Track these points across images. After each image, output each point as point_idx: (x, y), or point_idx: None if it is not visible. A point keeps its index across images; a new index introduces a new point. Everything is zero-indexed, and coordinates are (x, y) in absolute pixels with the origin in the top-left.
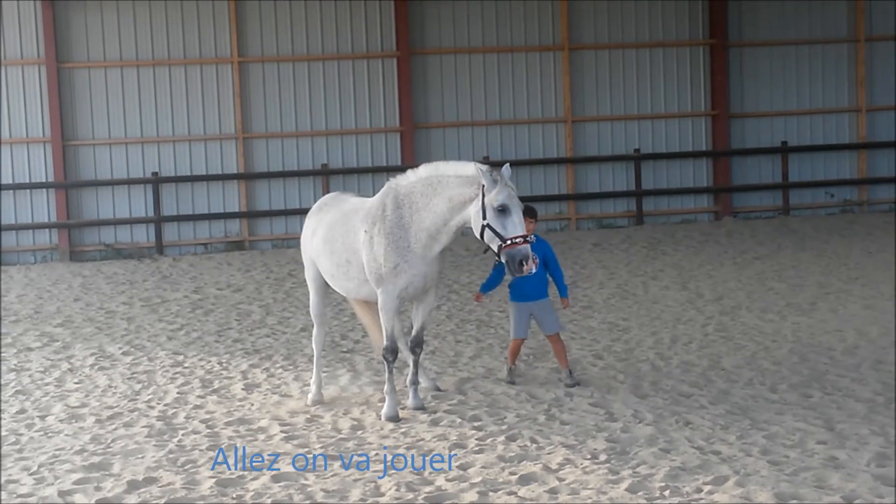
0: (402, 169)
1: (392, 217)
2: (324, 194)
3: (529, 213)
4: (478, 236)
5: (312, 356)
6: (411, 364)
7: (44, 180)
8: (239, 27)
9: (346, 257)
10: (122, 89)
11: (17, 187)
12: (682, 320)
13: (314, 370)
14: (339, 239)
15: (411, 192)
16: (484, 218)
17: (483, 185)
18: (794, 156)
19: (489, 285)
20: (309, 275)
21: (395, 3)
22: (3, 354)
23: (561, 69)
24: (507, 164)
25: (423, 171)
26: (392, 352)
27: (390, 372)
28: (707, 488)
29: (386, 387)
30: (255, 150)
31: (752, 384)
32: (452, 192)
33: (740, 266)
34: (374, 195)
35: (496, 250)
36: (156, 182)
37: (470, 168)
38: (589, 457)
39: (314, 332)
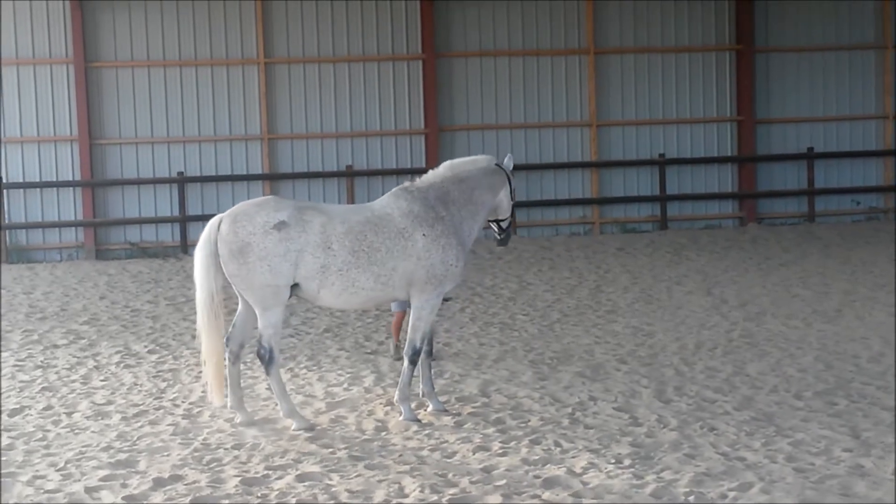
0: (426, 171)
1: (448, 217)
2: (348, 196)
3: None
4: (505, 220)
5: (278, 385)
6: (426, 370)
7: (71, 179)
8: (265, 28)
9: (391, 265)
10: (149, 89)
11: (44, 185)
12: (706, 326)
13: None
14: (381, 249)
15: (447, 191)
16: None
17: (508, 174)
18: (820, 162)
19: None
20: (279, 300)
21: (422, 5)
22: (30, 351)
23: (586, 73)
24: (510, 155)
25: (444, 170)
26: (420, 354)
27: (412, 374)
28: (732, 494)
29: (403, 388)
30: (280, 151)
31: (777, 391)
32: (490, 181)
33: (765, 272)
34: None
35: (504, 228)
36: (181, 182)
37: (483, 160)
38: (613, 461)
39: (276, 362)
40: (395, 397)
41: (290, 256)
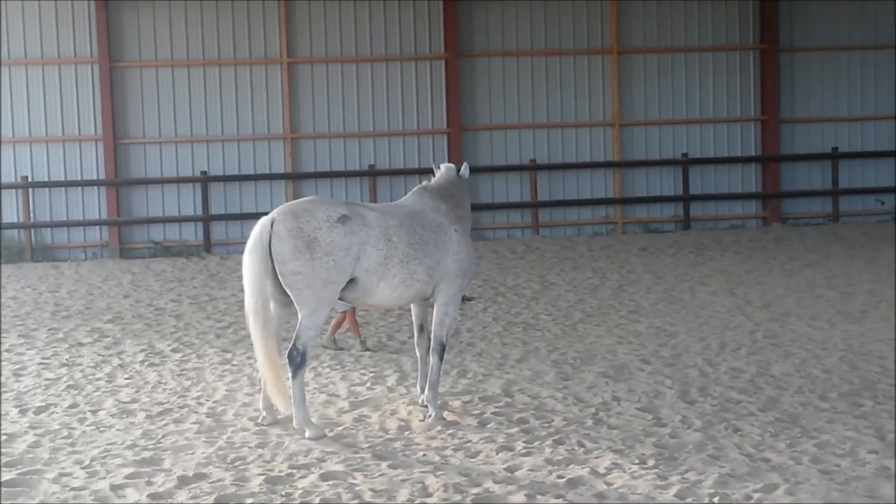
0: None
1: (463, 215)
2: (371, 195)
3: None
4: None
5: (300, 391)
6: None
7: (95, 178)
8: (289, 28)
9: (437, 258)
10: (173, 89)
11: (69, 184)
12: (730, 326)
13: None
14: (429, 242)
15: (452, 193)
16: None
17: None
18: (845, 162)
19: None
20: (333, 298)
21: (444, 5)
22: (55, 349)
23: (609, 72)
24: (466, 164)
25: (444, 172)
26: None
27: (440, 370)
28: (757, 496)
29: (434, 386)
30: (303, 150)
31: (801, 392)
32: (467, 187)
33: (789, 273)
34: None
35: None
36: (204, 181)
37: (453, 168)
38: (637, 462)
39: (305, 368)
40: (426, 396)
41: (352, 250)
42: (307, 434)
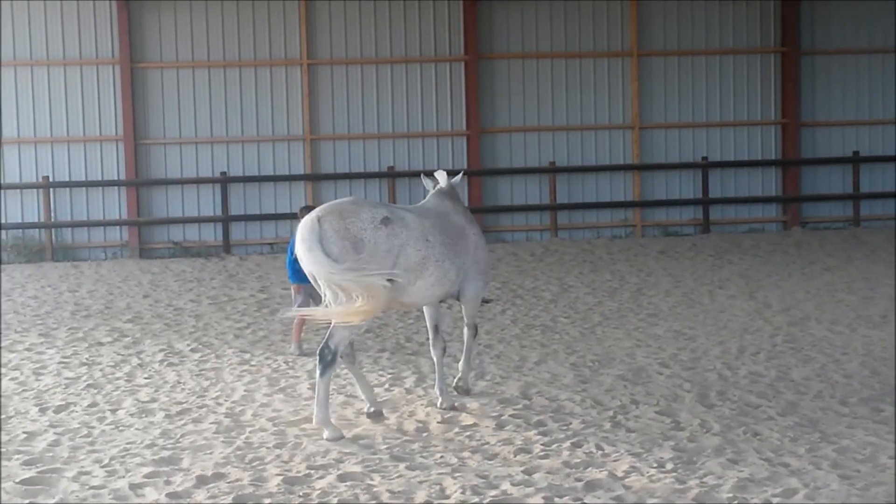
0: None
1: (472, 218)
2: (390, 197)
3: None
4: None
5: (325, 391)
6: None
7: (116, 178)
8: (309, 29)
9: (464, 258)
10: (194, 89)
11: (89, 184)
12: (749, 330)
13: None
14: (458, 243)
15: (459, 198)
16: None
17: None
18: (866, 166)
19: (291, 275)
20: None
21: (465, 7)
22: (75, 348)
23: (629, 75)
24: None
25: (446, 178)
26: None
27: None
28: (776, 501)
29: (469, 360)
30: (323, 151)
31: (821, 396)
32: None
33: (809, 277)
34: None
35: None
36: (224, 182)
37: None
38: (655, 465)
39: (334, 368)
40: (460, 365)
41: (393, 251)
42: (325, 435)
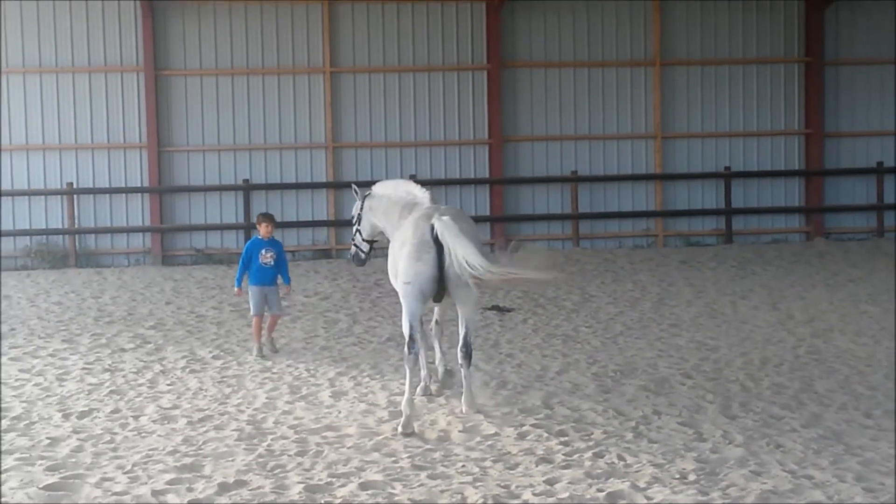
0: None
1: None
2: None
3: (269, 219)
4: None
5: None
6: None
7: (139, 185)
8: (332, 38)
9: None
10: (217, 97)
11: (113, 191)
12: (772, 341)
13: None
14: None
15: None
16: None
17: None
18: (890, 177)
19: (238, 278)
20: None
21: (487, 15)
22: (98, 355)
23: (652, 84)
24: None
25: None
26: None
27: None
28: None
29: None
30: (345, 159)
31: (845, 408)
32: None
33: (832, 288)
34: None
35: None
36: (246, 189)
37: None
38: (678, 476)
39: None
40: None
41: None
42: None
